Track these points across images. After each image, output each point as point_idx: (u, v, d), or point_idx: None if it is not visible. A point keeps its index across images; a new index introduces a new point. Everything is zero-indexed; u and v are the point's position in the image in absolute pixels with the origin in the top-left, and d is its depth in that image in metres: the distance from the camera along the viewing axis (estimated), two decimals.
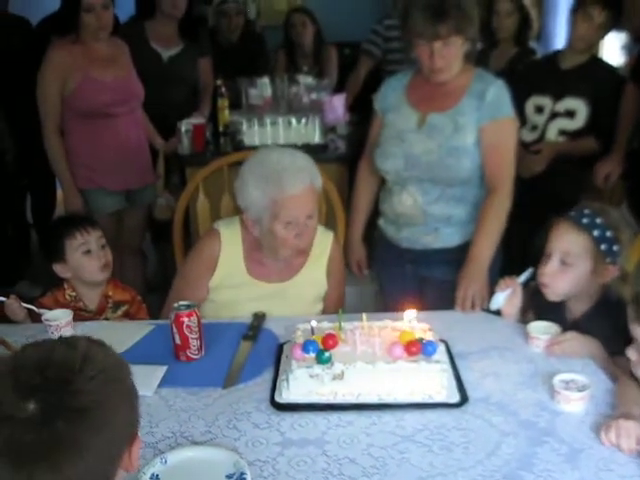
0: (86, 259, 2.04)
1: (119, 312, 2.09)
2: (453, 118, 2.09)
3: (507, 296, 1.88)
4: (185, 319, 1.69)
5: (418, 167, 2.12)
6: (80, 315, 2.02)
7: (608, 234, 1.73)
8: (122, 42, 3.05)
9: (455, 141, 2.08)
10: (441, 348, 1.62)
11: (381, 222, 2.31)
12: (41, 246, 2.10)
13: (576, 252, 1.75)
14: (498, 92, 2.10)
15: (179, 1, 3.48)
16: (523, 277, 1.89)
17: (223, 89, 3.49)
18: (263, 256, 1.99)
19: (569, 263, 1.76)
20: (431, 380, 1.50)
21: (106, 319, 2.06)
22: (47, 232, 2.16)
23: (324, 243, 2.06)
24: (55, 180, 4.04)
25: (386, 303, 2.40)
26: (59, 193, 3.65)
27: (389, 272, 2.37)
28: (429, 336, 1.60)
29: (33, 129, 3.01)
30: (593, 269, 1.75)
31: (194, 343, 1.71)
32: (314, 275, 2.05)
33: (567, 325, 1.78)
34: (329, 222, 2.42)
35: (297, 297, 2.03)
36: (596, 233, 1.73)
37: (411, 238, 2.21)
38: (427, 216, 2.15)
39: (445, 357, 1.61)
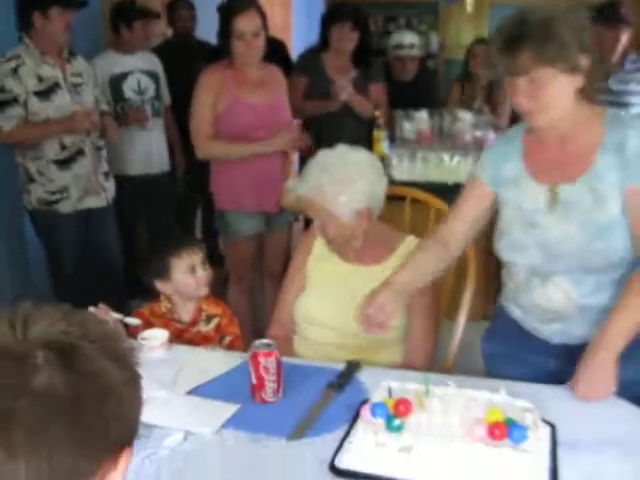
0: (190, 277, 2.08)
1: (211, 325, 2.12)
2: (589, 186, 1.62)
3: None
4: (262, 359, 1.59)
5: (562, 258, 1.67)
6: (174, 326, 2.07)
7: None
8: (277, 70, 3.10)
9: (598, 217, 1.62)
10: (540, 434, 1.37)
11: (516, 313, 1.84)
12: (144, 264, 2.14)
13: None
14: None
15: (347, 34, 3.59)
16: None
17: (381, 120, 3.41)
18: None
19: None
20: (513, 473, 1.27)
21: (199, 331, 2.10)
22: (153, 252, 2.20)
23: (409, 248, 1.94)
24: None
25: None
26: None
27: (518, 361, 1.84)
28: (524, 418, 1.37)
29: None
30: None
31: (270, 385, 1.60)
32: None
33: None
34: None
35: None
36: None
37: (565, 332, 1.77)
38: (584, 310, 1.71)
39: (544, 445, 1.37)
